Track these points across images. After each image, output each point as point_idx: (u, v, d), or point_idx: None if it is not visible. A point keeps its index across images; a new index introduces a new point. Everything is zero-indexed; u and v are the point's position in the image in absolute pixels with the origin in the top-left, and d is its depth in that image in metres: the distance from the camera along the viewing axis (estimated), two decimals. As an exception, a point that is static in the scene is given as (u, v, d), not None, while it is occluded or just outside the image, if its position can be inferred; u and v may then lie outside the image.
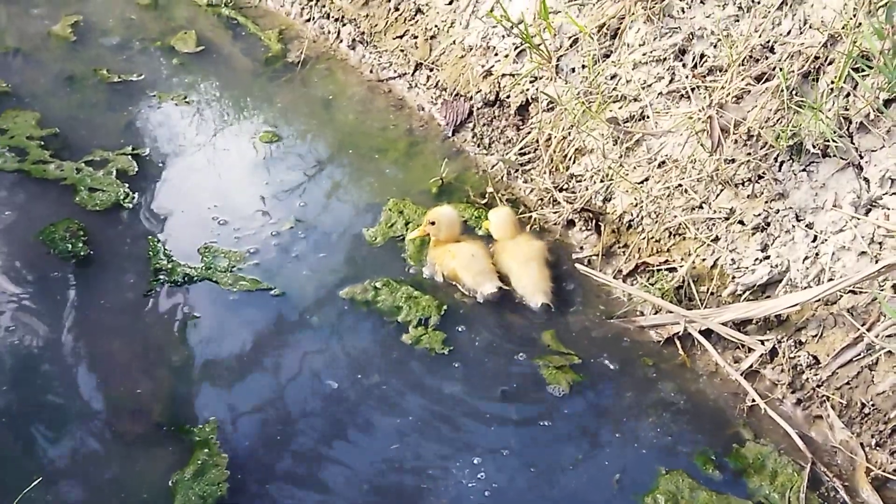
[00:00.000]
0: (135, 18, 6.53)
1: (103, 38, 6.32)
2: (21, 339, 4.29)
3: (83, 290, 4.54)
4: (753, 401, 4.13)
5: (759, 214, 4.32)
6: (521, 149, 5.23)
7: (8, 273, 4.61)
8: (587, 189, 4.88)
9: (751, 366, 4.23)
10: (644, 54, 4.80)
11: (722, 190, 4.45)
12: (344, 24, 6.25)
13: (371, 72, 6.03)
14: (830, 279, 4.07)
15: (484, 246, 4.74)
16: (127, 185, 5.11)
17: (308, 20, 6.44)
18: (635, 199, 4.70)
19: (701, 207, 4.49)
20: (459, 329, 4.45)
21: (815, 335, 4.11)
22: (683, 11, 4.70)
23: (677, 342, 4.40)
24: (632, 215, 4.71)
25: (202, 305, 4.49)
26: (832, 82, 4.15)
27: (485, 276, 4.59)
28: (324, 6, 6.37)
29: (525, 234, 4.83)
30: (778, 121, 4.29)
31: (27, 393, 4.09)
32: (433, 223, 4.68)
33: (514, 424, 4.09)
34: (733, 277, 4.34)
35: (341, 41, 6.24)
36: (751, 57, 4.42)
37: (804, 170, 4.25)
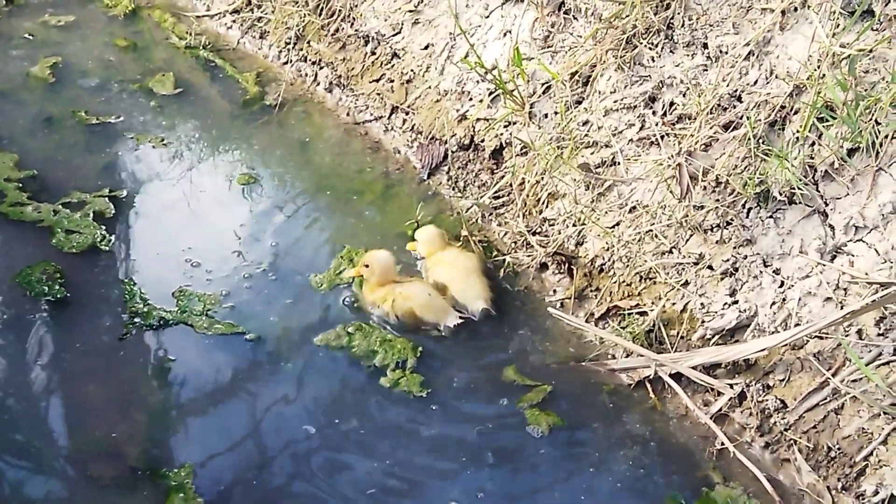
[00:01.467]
0: (113, 60, 6.58)
1: (82, 79, 6.36)
2: (-5, 382, 4.32)
3: (59, 332, 4.57)
4: (723, 444, 4.19)
5: (728, 260, 4.40)
6: (496, 192, 5.31)
7: (-16, 315, 4.64)
8: (560, 233, 4.95)
9: (720, 409, 4.29)
10: (615, 101, 4.89)
11: (691, 235, 4.53)
12: (321, 68, 6.33)
13: (348, 114, 6.11)
14: (797, 324, 4.15)
15: (427, 282, 4.86)
16: (104, 227, 5.13)
17: (286, 63, 6.51)
18: (607, 243, 4.77)
19: (671, 252, 4.57)
20: (436, 371, 4.50)
21: (783, 379, 4.18)
22: (653, 60, 4.80)
23: (648, 385, 4.46)
24: (603, 259, 4.79)
25: (178, 349, 4.51)
26: (798, 131, 4.25)
27: (445, 311, 4.71)
28: (301, 49, 6.44)
29: (453, 248, 4.97)
30: (745, 168, 4.38)
31: (1, 436, 4.10)
32: (367, 266, 4.77)
33: (489, 466, 4.13)
34: (702, 322, 4.41)
35: (318, 84, 6.31)
36: (719, 105, 4.52)
37: (771, 216, 4.34)
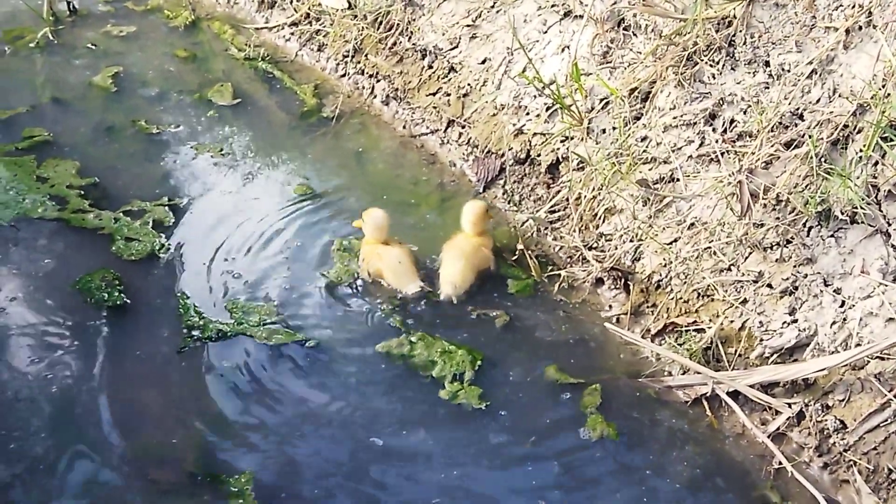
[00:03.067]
0: (173, 70, 6.68)
1: (142, 89, 6.47)
2: (59, 386, 4.39)
3: (119, 339, 4.64)
4: (780, 463, 4.17)
5: (788, 278, 4.37)
6: (552, 207, 5.31)
7: (46, 321, 4.71)
8: (616, 248, 4.95)
9: (778, 428, 4.27)
10: (674, 118, 4.88)
11: (751, 253, 4.52)
12: (378, 81, 6.37)
13: (404, 127, 6.14)
14: (858, 344, 4.12)
15: (409, 252, 5.06)
16: (162, 235, 5.22)
17: (343, 75, 6.57)
18: (664, 259, 4.76)
19: (730, 270, 4.56)
20: (496, 381, 4.53)
21: (843, 399, 4.15)
22: (714, 77, 4.79)
23: (705, 403, 4.44)
24: (661, 275, 4.78)
25: (237, 358, 4.57)
26: (861, 150, 4.22)
27: (409, 279, 4.96)
28: (359, 62, 6.50)
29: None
30: (807, 187, 4.36)
31: (63, 439, 4.18)
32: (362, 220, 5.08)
33: (550, 476, 4.15)
34: (761, 340, 4.39)
35: (375, 97, 6.36)
36: (780, 123, 4.50)
37: (832, 236, 4.31)
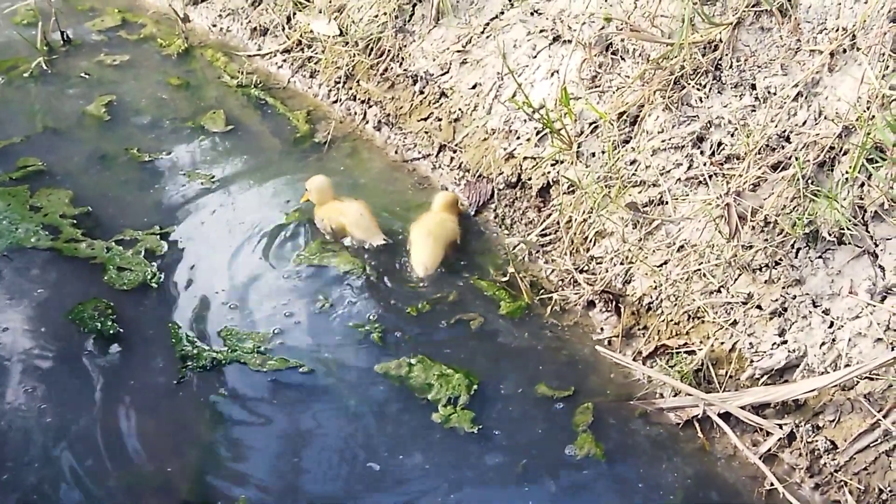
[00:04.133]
0: (166, 98, 6.71)
1: (135, 117, 6.50)
2: (53, 416, 4.40)
3: (113, 369, 4.66)
4: (772, 484, 4.18)
5: (777, 300, 4.40)
6: (543, 230, 5.35)
7: (40, 350, 4.73)
8: (607, 271, 4.98)
9: (769, 449, 4.28)
10: (663, 141, 4.92)
11: (740, 275, 4.54)
12: (370, 106, 6.42)
13: (396, 152, 6.18)
14: (847, 365, 4.14)
15: (366, 204, 5.45)
16: (154, 264, 5.23)
17: (335, 101, 6.61)
18: (655, 282, 4.79)
19: (719, 292, 4.58)
20: (488, 404, 4.54)
21: (833, 420, 4.17)
22: (701, 101, 4.83)
23: (696, 424, 4.46)
24: (651, 298, 4.80)
25: (231, 385, 4.59)
26: (847, 172, 4.26)
27: (373, 231, 5.34)
28: (350, 88, 6.54)
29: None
30: (794, 208, 4.39)
31: (57, 470, 4.18)
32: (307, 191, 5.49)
33: (545, 497, 4.17)
34: (751, 361, 4.41)
35: (367, 122, 6.40)
36: (767, 146, 4.54)
37: (820, 257, 4.34)
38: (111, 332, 4.80)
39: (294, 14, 6.98)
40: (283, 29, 7.04)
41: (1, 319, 4.85)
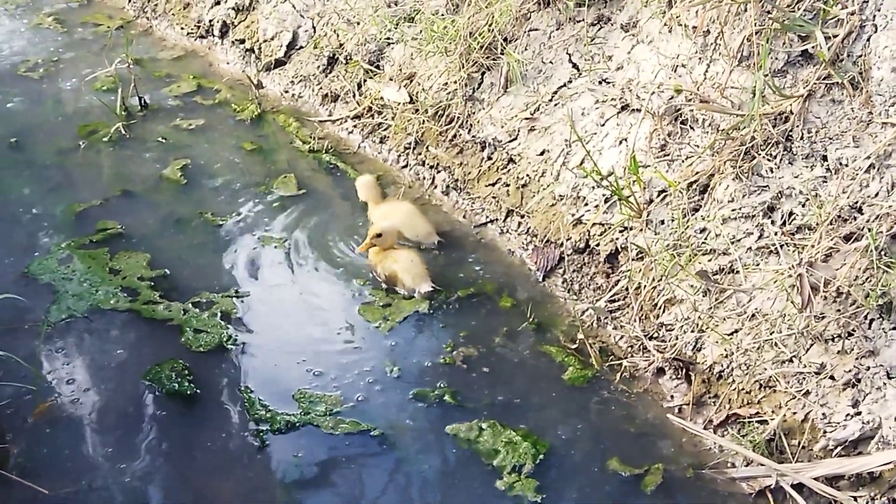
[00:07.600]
0: (239, 162, 6.87)
1: (209, 181, 6.66)
2: (131, 476, 4.49)
3: (190, 430, 4.75)
4: (847, 558, 4.15)
5: (850, 370, 4.39)
6: (611, 296, 5.38)
7: (119, 410, 4.83)
8: (677, 338, 5.00)
9: (844, 522, 4.26)
10: (733, 210, 4.95)
11: (812, 345, 4.54)
12: (438, 171, 6.52)
13: (464, 217, 6.26)
14: (923, 438, 4.12)
15: (419, 253, 5.75)
16: (230, 326, 5.35)
17: (405, 166, 6.73)
18: (725, 350, 4.80)
19: (791, 361, 4.58)
20: (554, 472, 4.55)
21: (909, 493, 4.14)
22: (772, 171, 4.86)
23: (769, 495, 4.43)
24: (722, 366, 4.81)
25: (305, 448, 4.64)
26: (921, 244, 4.27)
27: (422, 278, 5.56)
28: (420, 154, 6.66)
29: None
30: (867, 279, 4.39)
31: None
32: (379, 235, 5.65)
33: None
34: (824, 432, 4.39)
35: (436, 187, 6.51)
36: (839, 217, 4.55)
37: (894, 328, 4.33)
38: (188, 392, 4.90)
39: (364, 81, 7.15)
40: (354, 95, 7.20)
41: (82, 380, 4.98)
